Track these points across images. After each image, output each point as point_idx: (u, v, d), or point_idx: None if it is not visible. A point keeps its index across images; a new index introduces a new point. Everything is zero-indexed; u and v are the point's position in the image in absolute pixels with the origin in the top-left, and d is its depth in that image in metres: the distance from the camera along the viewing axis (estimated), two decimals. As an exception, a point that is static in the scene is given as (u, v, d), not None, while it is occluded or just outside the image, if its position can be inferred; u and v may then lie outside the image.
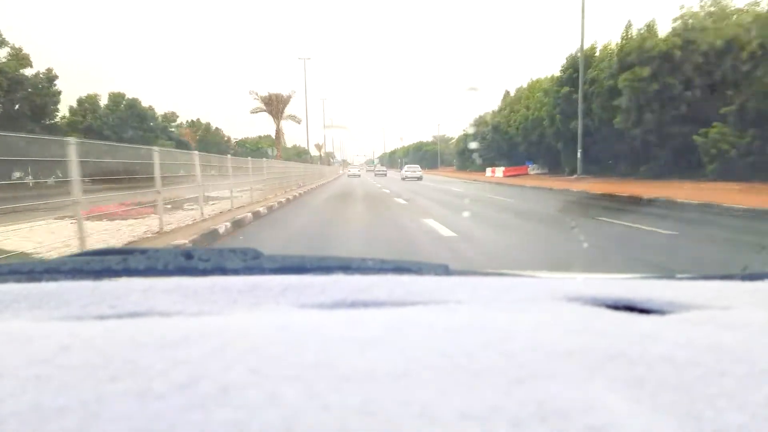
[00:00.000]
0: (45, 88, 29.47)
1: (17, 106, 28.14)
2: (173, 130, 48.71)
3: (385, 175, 51.06)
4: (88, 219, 5.77)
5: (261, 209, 10.00)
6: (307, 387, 0.27)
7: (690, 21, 19.23)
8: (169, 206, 7.83)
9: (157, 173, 6.84)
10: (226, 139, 61.26)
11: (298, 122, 41.24)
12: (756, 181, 14.79)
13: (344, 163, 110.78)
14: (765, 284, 0.66)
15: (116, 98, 42.29)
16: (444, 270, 0.69)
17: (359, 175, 48.51)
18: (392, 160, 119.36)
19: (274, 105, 39.37)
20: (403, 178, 33.72)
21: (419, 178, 32.71)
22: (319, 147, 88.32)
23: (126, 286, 0.53)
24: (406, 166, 38.90)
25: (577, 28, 24.05)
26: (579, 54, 24.01)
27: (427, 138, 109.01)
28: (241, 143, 68.29)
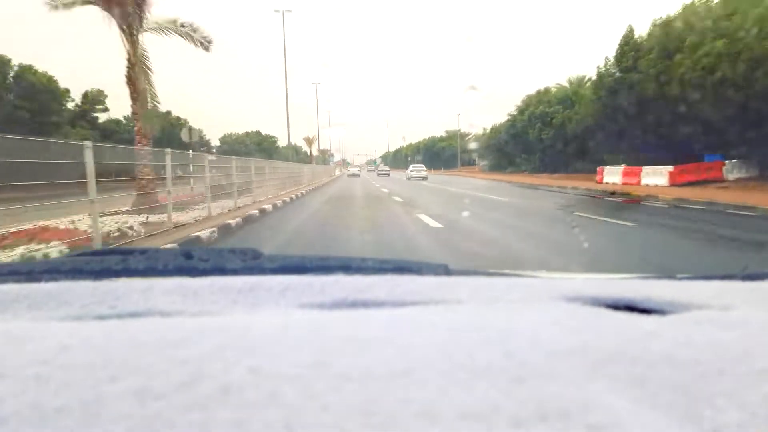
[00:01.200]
0: None
1: None
2: (101, 116, 34.78)
3: (388, 175, 48.84)
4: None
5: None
6: (307, 387, 0.27)
7: None
8: None
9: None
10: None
11: (206, 48, 11.86)
12: None
13: (344, 163, 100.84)
14: (765, 284, 0.66)
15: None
16: (444, 270, 0.69)
17: (359, 175, 47.94)
18: (397, 159, 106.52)
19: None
20: (409, 178, 35.00)
21: (424, 178, 33.92)
22: (309, 141, 70.53)
23: (126, 286, 0.53)
24: (411, 166, 39.81)
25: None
26: None
27: (435, 135, 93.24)
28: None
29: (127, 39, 10.65)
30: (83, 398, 0.25)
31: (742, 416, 0.26)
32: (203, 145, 47.44)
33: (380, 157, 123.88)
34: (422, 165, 39.15)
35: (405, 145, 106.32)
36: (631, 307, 0.50)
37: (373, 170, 77.81)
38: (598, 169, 21.50)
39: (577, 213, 10.06)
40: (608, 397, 0.27)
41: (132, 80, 10.84)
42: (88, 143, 5.49)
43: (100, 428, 0.23)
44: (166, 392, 0.26)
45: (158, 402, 0.25)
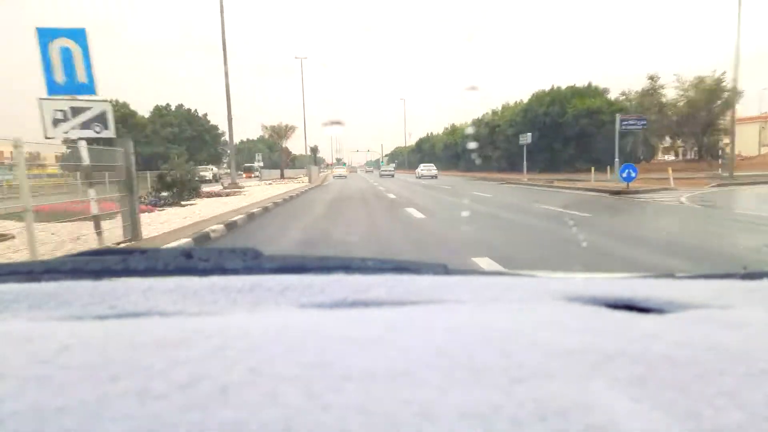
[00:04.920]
0: None
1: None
2: None
3: (392, 176, 43.24)
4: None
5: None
6: (307, 387, 0.27)
7: None
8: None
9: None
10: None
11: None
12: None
13: (338, 164, 77.75)
14: (764, 283, 0.66)
15: None
16: (443, 269, 0.69)
17: (346, 176, 42.70)
18: (417, 156, 69.18)
19: None
20: (419, 177, 35.92)
21: (434, 177, 34.90)
22: (277, 131, 47.06)
23: (126, 286, 0.53)
24: (422, 165, 40.15)
25: None
26: None
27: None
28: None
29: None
30: (83, 398, 0.25)
31: (742, 416, 0.26)
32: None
33: (387, 156, 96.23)
34: (432, 164, 39.95)
35: (443, 131, 65.24)
36: (630, 307, 0.50)
37: (372, 171, 69.98)
38: None
39: None
40: (608, 397, 0.27)
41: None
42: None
43: (100, 428, 0.23)
44: (166, 392, 0.26)
45: (158, 402, 0.25)
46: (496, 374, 0.29)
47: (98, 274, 0.61)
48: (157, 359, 0.30)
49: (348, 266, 0.65)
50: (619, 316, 0.45)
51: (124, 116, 44.02)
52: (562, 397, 0.27)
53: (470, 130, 49.01)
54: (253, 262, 0.66)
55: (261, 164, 44.85)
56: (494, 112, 45.79)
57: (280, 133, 48.80)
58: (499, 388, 0.27)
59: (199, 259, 0.66)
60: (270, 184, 27.62)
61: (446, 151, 56.45)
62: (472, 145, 46.65)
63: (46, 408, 0.25)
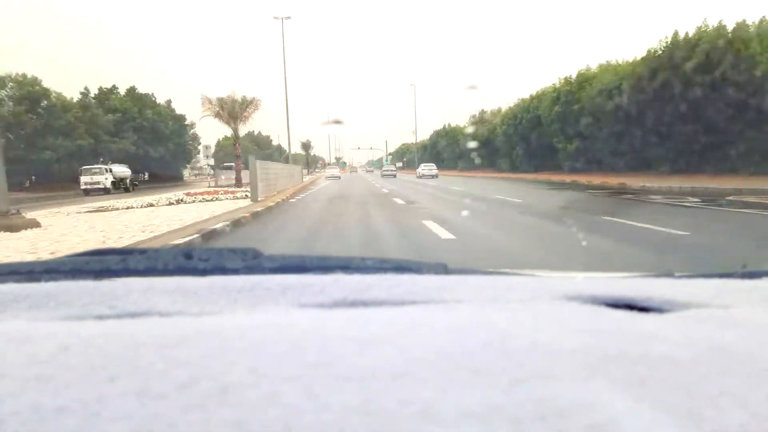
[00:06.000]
0: None
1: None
2: None
3: (395, 176, 40.86)
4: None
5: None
6: (307, 387, 0.27)
7: None
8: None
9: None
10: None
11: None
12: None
13: (338, 163, 76.82)
14: (764, 282, 0.66)
15: None
16: (443, 269, 0.69)
17: (339, 177, 40.68)
18: (434, 152, 59.80)
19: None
20: (419, 176, 36.88)
21: (435, 176, 35.72)
22: (227, 106, 25.32)
23: (126, 286, 0.53)
24: (422, 165, 41.13)
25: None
26: None
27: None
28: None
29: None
30: (83, 398, 0.25)
31: (743, 416, 0.26)
32: None
33: (390, 155, 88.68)
34: (432, 164, 40.48)
35: (469, 120, 52.16)
36: (631, 306, 0.50)
37: (372, 171, 70.19)
38: None
39: None
40: (608, 397, 0.27)
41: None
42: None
43: (99, 428, 0.23)
44: (166, 392, 0.26)
45: (158, 402, 0.25)
46: (496, 374, 0.29)
47: (98, 274, 0.61)
48: (157, 359, 0.30)
49: (348, 266, 0.65)
50: (619, 315, 0.45)
51: (33, 96, 33.23)
52: (562, 397, 0.26)
53: (514, 113, 35.67)
54: (253, 262, 0.66)
55: (211, 162, 33.10)
56: (568, 81, 29.39)
57: (232, 111, 26.74)
58: (499, 388, 0.27)
59: (198, 259, 0.66)
60: (172, 204, 13.57)
61: (474, 145, 44.47)
62: (490, 138, 34.92)
63: (46, 408, 0.25)
